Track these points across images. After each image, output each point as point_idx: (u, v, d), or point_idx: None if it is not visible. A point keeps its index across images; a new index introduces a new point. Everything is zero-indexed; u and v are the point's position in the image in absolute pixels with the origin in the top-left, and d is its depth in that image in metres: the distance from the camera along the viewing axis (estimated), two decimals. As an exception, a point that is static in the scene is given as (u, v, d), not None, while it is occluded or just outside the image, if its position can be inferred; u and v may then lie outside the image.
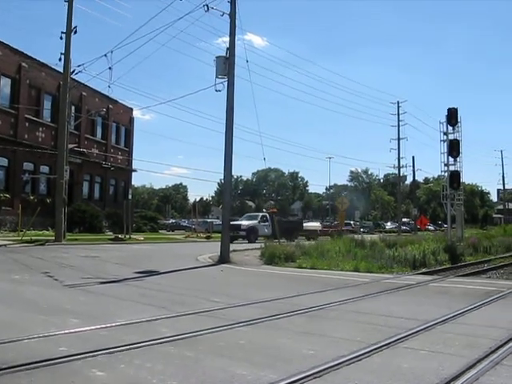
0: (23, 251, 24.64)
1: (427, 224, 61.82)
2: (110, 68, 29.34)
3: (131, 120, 57.82)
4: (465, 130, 36.30)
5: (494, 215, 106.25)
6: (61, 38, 31.26)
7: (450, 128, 30.47)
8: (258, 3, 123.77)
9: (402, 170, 60.77)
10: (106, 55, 28.95)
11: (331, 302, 11.19)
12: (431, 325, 8.81)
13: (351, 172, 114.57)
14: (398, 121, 59.45)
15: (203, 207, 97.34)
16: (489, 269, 21.79)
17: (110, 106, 51.02)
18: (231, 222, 43.31)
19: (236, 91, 22.64)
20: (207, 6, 22.30)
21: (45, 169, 44.32)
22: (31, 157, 41.54)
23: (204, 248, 29.92)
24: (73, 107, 43.00)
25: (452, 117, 30.46)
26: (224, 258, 21.88)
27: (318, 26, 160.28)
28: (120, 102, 53.41)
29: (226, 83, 22.53)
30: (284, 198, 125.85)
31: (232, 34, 22.79)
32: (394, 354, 7.01)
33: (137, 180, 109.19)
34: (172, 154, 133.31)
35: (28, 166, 43.03)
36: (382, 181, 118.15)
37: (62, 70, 33.00)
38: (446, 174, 30.73)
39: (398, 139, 59.19)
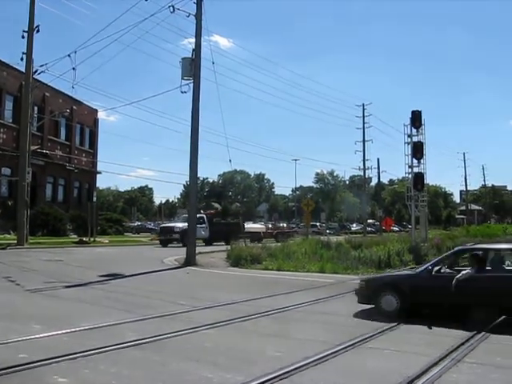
0: (-16, 255, 24.11)
1: (392, 225, 62.47)
2: (73, 68, 28.86)
3: (96, 121, 57.05)
4: (429, 132, 37.02)
5: (457, 216, 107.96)
6: (23, 36, 30.66)
7: (414, 130, 30.79)
8: (224, 5, 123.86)
9: (367, 171, 61.42)
10: (69, 55, 28.51)
11: (297, 303, 11.24)
12: (396, 325, 8.93)
13: (317, 174, 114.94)
14: (363, 123, 60.11)
15: (169, 209, 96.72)
16: (452, 269, 22.13)
17: (74, 107, 50.25)
18: (164, 225, 41.32)
19: (202, 93, 22.57)
20: (173, 6, 22.15)
21: (6, 171, 43.42)
22: (-8, 159, 40.68)
23: (170, 251, 29.74)
24: (35, 108, 42.23)
25: (416, 119, 30.80)
26: (190, 261, 21.73)
27: (284, 29, 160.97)
28: (84, 103, 52.63)
29: (191, 85, 22.43)
30: (250, 199, 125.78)
31: (198, 36, 22.69)
32: (359, 354, 7.08)
33: (102, 182, 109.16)
34: (138, 156, 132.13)
35: (-12, 167, 42.15)
36: (347, 182, 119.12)
37: (24, 70, 32.38)
38: (410, 175, 31.10)
39: (364, 141, 59.82)
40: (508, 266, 10.66)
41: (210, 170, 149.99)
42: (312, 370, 6.23)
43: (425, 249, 28.24)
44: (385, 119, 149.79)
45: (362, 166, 60.80)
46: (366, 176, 63.17)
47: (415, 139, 30.79)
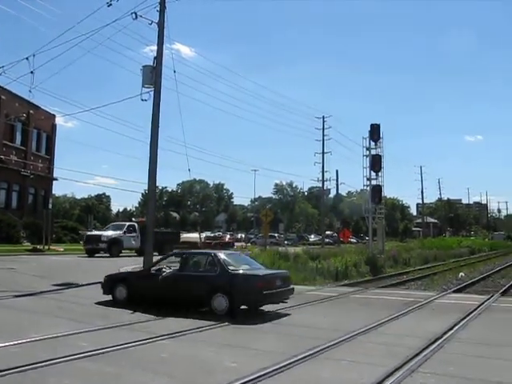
0: None
1: (350, 237, 63.13)
2: (31, 72, 28.21)
3: (53, 127, 56.00)
4: (387, 145, 37.51)
5: (414, 228, 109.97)
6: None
7: (373, 143, 31.37)
8: (187, 14, 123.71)
9: (325, 183, 61.87)
10: (27, 58, 27.79)
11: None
12: (353, 335, 8.99)
13: (276, 185, 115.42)
14: (323, 135, 60.60)
15: (127, 218, 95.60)
16: (408, 280, 22.54)
17: (31, 111, 49.21)
18: (90, 233, 38.18)
19: (163, 101, 22.37)
20: (135, 13, 21.93)
21: (-42, 176, 42.33)
22: None
23: (128, 259, 29.33)
24: (-10, 112, 41.30)
25: (374, 132, 31.36)
26: (147, 270, 21.45)
27: (246, 39, 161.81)
28: (42, 107, 51.70)
29: (152, 93, 22.27)
30: (209, 209, 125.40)
31: (160, 44, 22.55)
32: (316, 365, 7.09)
33: (58, 189, 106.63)
34: (96, 164, 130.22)
35: None
36: (306, 194, 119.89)
37: (-22, 73, 31.61)
38: (369, 187, 31.57)
39: (323, 153, 60.30)
40: (200, 267, 12.86)
41: (169, 179, 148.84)
42: (268, 380, 6.22)
43: (382, 260, 28.67)
44: (344, 132, 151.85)
45: (320, 178, 61.24)
46: (325, 188, 63.61)
47: (373, 152, 31.35)
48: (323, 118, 61.10)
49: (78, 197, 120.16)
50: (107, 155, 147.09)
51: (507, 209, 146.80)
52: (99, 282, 16.89)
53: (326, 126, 60.82)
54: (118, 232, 36.03)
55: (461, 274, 25.93)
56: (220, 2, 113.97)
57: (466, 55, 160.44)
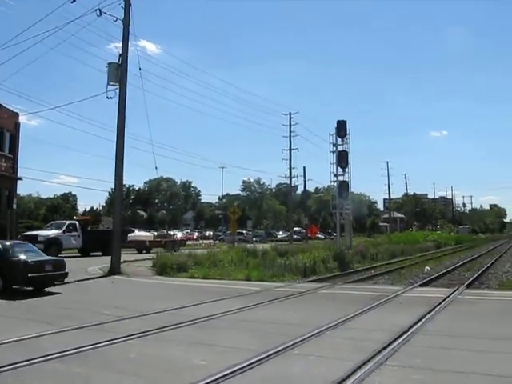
0: None
1: (317, 233, 63.55)
2: (-8, 70, 27.83)
3: (17, 125, 54.90)
4: (354, 141, 37.85)
5: (381, 223, 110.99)
6: None
7: (340, 140, 31.57)
8: (153, 10, 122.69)
9: (293, 180, 62.11)
10: (-12, 56, 27.45)
11: (223, 311, 11.20)
12: (321, 330, 9.05)
13: (244, 182, 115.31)
14: (290, 132, 60.78)
15: (94, 217, 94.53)
16: (375, 275, 22.77)
17: (-7, 110, 48.39)
18: (26, 233, 35.73)
19: (129, 99, 22.24)
20: (100, 10, 21.72)
21: None
22: None
23: (95, 259, 29.02)
24: (-50, 110, 40.34)
25: (341, 129, 31.58)
26: (115, 270, 21.29)
27: (212, 36, 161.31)
28: (4, 106, 50.74)
29: (117, 90, 22.07)
30: (176, 207, 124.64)
31: (125, 41, 22.35)
32: (285, 361, 7.13)
33: (23, 189, 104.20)
34: (61, 162, 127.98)
35: None
36: (274, 190, 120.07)
37: None
38: (336, 184, 31.79)
39: (290, 150, 60.49)
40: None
41: (137, 177, 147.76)
42: (238, 377, 6.23)
43: (349, 256, 28.91)
44: (312, 128, 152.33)
45: (288, 175, 61.46)
46: (292, 184, 63.87)
47: (340, 148, 31.57)
48: (290, 114, 61.28)
49: (44, 196, 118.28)
50: (73, 154, 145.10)
51: (472, 203, 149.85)
52: (66, 283, 16.74)
53: (292, 123, 61.02)
54: (57, 231, 34.30)
55: (427, 267, 26.31)
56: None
57: (432, 51, 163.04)
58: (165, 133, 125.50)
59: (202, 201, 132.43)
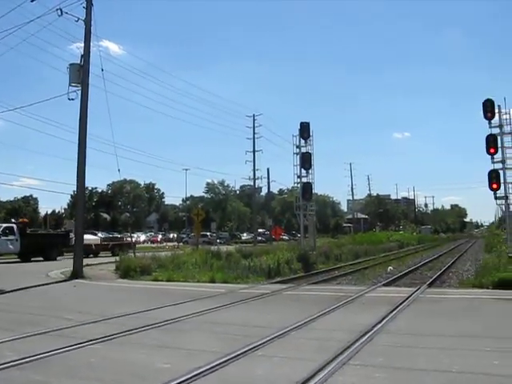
0: None
1: (281, 234, 63.77)
2: None
3: (-26, 127, 54.00)
4: (317, 143, 38.06)
5: (344, 224, 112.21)
6: None
7: (303, 141, 31.76)
8: (115, 10, 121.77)
9: (257, 181, 62.46)
10: None
11: (187, 314, 11.14)
12: (285, 332, 9.07)
13: (208, 184, 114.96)
14: (254, 133, 61.04)
15: (55, 220, 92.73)
16: (339, 275, 22.99)
17: (-50, 111, 47.23)
18: None
19: (91, 100, 21.93)
20: (61, 10, 21.39)
21: None
22: None
23: (56, 263, 28.58)
24: None
25: (304, 130, 31.77)
26: (77, 273, 20.98)
27: (175, 37, 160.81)
28: (-38, 107, 49.76)
29: (79, 92, 21.78)
30: (140, 209, 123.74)
31: (87, 41, 22.06)
32: (250, 363, 7.13)
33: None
34: (22, 165, 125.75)
35: None
36: (238, 192, 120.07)
37: None
38: (299, 185, 31.97)
39: (254, 151, 60.74)
40: None
41: (99, 180, 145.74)
42: (202, 380, 6.20)
43: (313, 257, 29.12)
44: (275, 130, 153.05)
45: (252, 176, 61.64)
46: (256, 186, 64.17)
47: (304, 150, 31.76)
48: (254, 116, 61.55)
49: (3, 199, 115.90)
50: (35, 156, 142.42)
51: (434, 203, 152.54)
52: (26, 288, 16.53)
53: (256, 125, 61.32)
54: None
55: (390, 267, 26.68)
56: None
57: (394, 50, 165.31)
58: (129, 135, 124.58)
59: (166, 203, 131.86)
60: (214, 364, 6.76)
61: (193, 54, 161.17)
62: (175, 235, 78.74)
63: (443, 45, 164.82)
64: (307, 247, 31.12)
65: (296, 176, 31.78)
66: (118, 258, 25.23)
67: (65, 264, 24.49)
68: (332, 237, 72.05)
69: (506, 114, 23.54)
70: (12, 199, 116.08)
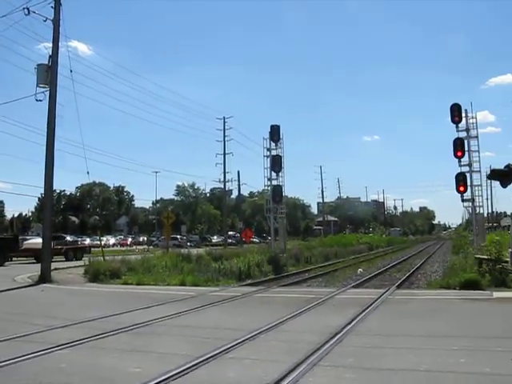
0: None
1: (252, 236, 63.84)
2: None
3: None
4: (288, 146, 38.20)
5: (315, 227, 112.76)
6: None
7: (273, 144, 31.90)
8: (85, 9, 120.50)
9: (227, 184, 62.47)
10: None
11: (157, 317, 11.07)
12: (256, 334, 9.09)
13: (178, 186, 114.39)
14: (224, 136, 61.06)
15: (22, 223, 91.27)
16: (309, 278, 23.14)
17: None
18: None
19: (60, 102, 21.64)
20: (28, 9, 21.05)
21: None
22: None
23: (23, 268, 28.12)
24: None
25: (274, 133, 31.91)
26: (45, 278, 20.67)
27: (146, 39, 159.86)
28: None
29: (47, 93, 21.49)
30: (109, 212, 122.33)
31: (55, 41, 21.75)
32: (220, 365, 7.13)
33: None
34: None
35: None
36: (208, 195, 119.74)
37: None
38: (270, 188, 32.07)
39: (224, 154, 60.74)
40: None
41: (68, 182, 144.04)
42: (173, 383, 6.18)
43: (284, 259, 29.24)
44: (245, 133, 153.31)
45: (222, 179, 61.60)
46: (227, 188, 64.16)
47: (274, 153, 31.91)
48: (224, 118, 61.58)
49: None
50: (1, 158, 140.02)
51: (403, 206, 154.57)
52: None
53: (226, 127, 61.35)
54: None
55: (359, 269, 26.94)
56: None
57: (366, 51, 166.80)
58: (99, 137, 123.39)
59: (136, 206, 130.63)
60: (184, 367, 6.74)
61: (164, 57, 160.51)
62: (145, 238, 78.09)
63: (414, 47, 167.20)
64: (278, 250, 31.23)
65: (266, 179, 31.95)
66: (87, 262, 24.95)
67: (34, 268, 24.10)
68: (302, 239, 72.37)
69: (472, 118, 24.05)
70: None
